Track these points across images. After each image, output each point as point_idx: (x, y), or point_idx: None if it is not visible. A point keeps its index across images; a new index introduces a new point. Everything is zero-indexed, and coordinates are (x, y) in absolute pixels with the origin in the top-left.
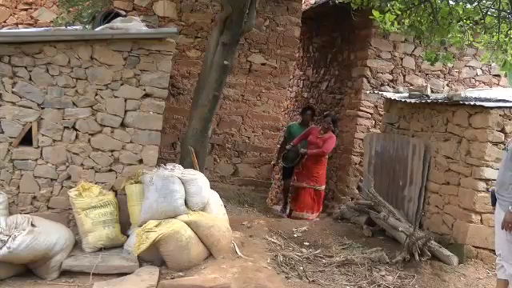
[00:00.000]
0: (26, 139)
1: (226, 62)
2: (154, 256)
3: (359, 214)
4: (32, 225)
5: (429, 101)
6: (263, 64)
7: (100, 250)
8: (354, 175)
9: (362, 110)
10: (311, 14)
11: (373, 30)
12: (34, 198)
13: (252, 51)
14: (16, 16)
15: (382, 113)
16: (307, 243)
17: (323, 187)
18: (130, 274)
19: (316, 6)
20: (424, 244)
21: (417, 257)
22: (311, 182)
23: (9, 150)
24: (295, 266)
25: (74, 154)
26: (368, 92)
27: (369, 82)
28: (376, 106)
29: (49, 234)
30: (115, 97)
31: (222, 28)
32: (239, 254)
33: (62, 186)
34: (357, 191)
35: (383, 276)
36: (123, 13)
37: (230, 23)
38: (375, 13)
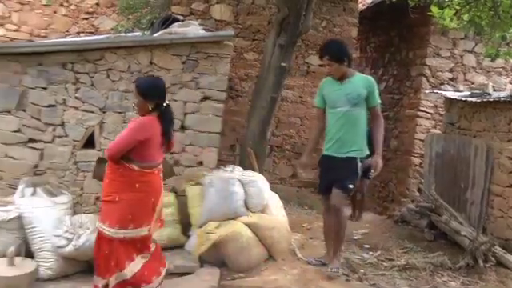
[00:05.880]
0: (89, 142)
1: (283, 64)
2: (214, 257)
3: (420, 217)
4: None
5: (491, 99)
6: (321, 65)
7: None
8: (415, 177)
9: (422, 110)
10: (368, 14)
11: (431, 27)
12: (97, 198)
13: (309, 52)
14: (78, 25)
15: (442, 113)
16: (367, 245)
17: (108, 230)
18: (190, 274)
19: (372, 6)
20: (488, 249)
21: (481, 263)
22: (99, 216)
23: (73, 153)
24: (356, 269)
25: None
26: (427, 91)
27: (428, 80)
28: (436, 106)
29: None
30: (174, 100)
31: (278, 30)
32: (299, 255)
33: None
34: (417, 193)
35: (446, 282)
36: (181, 18)
37: (286, 25)
38: (433, 8)
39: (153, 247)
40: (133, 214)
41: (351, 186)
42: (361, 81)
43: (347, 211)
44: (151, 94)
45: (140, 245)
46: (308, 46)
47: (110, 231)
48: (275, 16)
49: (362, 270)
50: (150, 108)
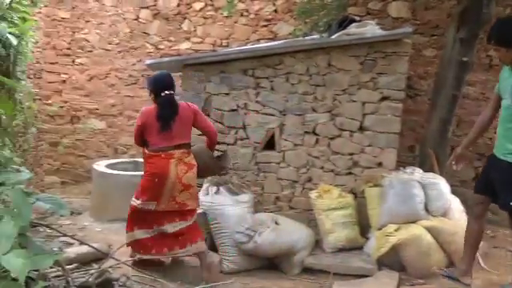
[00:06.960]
0: (270, 144)
1: (465, 59)
2: (392, 260)
3: None
4: (276, 223)
5: None
6: None
7: (339, 250)
8: None
9: None
10: None
11: None
12: (277, 198)
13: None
14: (257, 32)
15: None
16: None
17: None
18: (368, 276)
19: None
20: None
21: None
22: None
23: (254, 154)
24: None
25: (314, 157)
26: None
27: None
28: None
29: (291, 233)
30: (353, 101)
31: (458, 23)
32: (482, 265)
33: (303, 188)
34: None
35: None
36: (357, 18)
37: (466, 17)
38: None
39: (169, 228)
40: (142, 187)
41: None
42: None
43: None
44: (150, 86)
45: (150, 218)
46: None
47: (132, 200)
48: (454, 9)
49: None
50: (152, 98)
